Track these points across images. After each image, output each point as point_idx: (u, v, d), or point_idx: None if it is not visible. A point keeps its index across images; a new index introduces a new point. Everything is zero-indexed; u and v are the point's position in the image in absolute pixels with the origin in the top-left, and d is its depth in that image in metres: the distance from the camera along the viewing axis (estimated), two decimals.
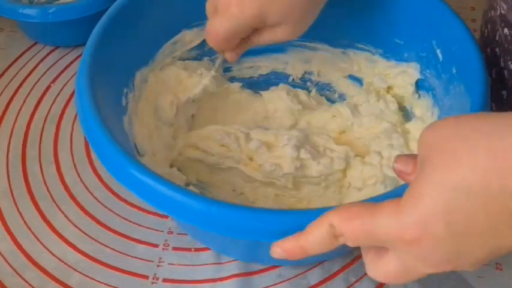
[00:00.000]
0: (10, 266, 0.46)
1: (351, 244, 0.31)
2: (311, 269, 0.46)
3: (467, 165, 0.27)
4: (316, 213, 0.32)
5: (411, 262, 0.29)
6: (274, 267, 0.46)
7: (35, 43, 0.66)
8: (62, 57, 0.64)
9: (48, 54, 0.65)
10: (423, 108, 0.50)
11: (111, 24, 0.46)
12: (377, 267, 0.31)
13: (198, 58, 0.55)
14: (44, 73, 0.62)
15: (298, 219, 0.33)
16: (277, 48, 0.56)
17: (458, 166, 0.27)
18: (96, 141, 0.39)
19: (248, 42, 0.45)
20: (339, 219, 0.30)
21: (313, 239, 0.31)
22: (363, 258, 0.32)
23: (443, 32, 0.47)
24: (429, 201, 0.27)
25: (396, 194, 0.31)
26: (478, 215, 0.27)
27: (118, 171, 0.37)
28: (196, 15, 0.52)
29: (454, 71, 0.45)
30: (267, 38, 0.44)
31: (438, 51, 0.47)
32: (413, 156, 0.31)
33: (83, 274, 0.46)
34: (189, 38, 0.54)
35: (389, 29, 0.52)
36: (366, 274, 0.45)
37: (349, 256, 0.46)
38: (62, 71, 0.62)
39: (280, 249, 0.33)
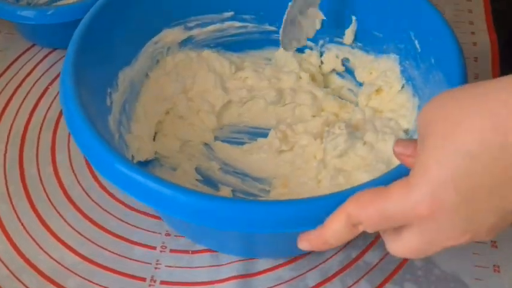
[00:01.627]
0: (7, 268, 0.46)
1: (370, 230, 0.31)
2: (309, 270, 0.46)
3: (465, 128, 0.27)
4: (307, 202, 0.34)
5: (430, 235, 0.29)
6: (273, 269, 0.46)
7: (33, 45, 0.66)
8: (59, 60, 0.64)
9: (45, 56, 0.65)
10: (403, 99, 0.51)
11: (92, 25, 0.46)
12: (398, 245, 0.32)
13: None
14: (42, 75, 0.62)
15: (290, 209, 0.34)
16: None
17: (457, 131, 0.27)
18: (81, 135, 0.39)
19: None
20: (354, 208, 0.31)
21: (334, 231, 0.32)
22: (382, 237, 0.33)
23: (421, 23, 0.48)
24: (435, 172, 0.28)
25: (400, 172, 0.33)
26: (483, 177, 0.27)
27: (107, 170, 0.38)
28: (177, 14, 0.53)
29: (432, 60, 0.46)
30: None
31: (416, 42, 0.48)
32: (413, 140, 0.32)
33: (81, 276, 0.46)
34: (170, 37, 0.54)
35: (368, 23, 0.53)
36: (363, 277, 0.45)
37: (346, 258, 0.46)
38: (60, 73, 0.62)
39: (306, 242, 0.34)
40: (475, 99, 0.27)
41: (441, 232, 0.29)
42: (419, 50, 0.48)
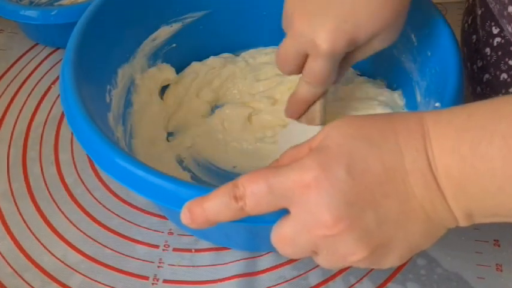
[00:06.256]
0: (10, 266, 0.46)
1: (250, 207, 0.30)
2: (312, 269, 0.46)
3: (369, 124, 0.30)
4: None
5: (305, 217, 0.29)
6: (275, 267, 0.46)
7: (36, 44, 0.66)
8: (62, 59, 0.64)
9: (48, 55, 0.65)
10: (395, 95, 0.51)
11: (91, 22, 0.46)
12: (274, 231, 0.31)
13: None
14: (45, 74, 0.63)
15: None
16: None
17: (362, 124, 0.30)
18: (82, 131, 0.39)
19: (347, 63, 0.43)
20: (245, 178, 0.30)
21: (215, 200, 0.31)
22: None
23: (416, 17, 0.47)
24: (333, 149, 0.29)
25: None
26: (376, 165, 0.28)
27: (108, 165, 0.38)
28: (175, 11, 0.53)
29: (428, 53, 0.46)
30: (365, 53, 0.42)
31: (412, 35, 0.48)
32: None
33: (83, 275, 0.46)
34: (168, 34, 0.54)
35: None
36: (365, 275, 0.45)
37: None
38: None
39: (187, 210, 0.32)
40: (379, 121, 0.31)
41: (315, 213, 0.29)
42: (416, 44, 0.48)
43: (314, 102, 0.45)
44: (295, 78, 0.46)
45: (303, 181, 0.29)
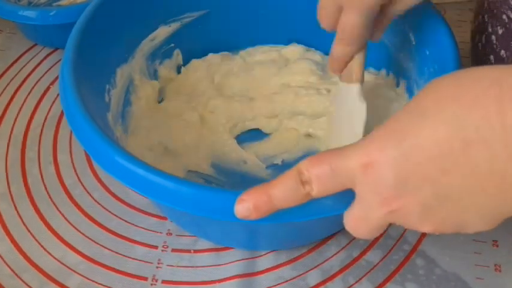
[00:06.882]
0: (9, 267, 0.46)
1: (317, 191, 0.30)
2: (311, 270, 0.46)
3: (425, 94, 0.28)
4: None
5: (369, 196, 0.29)
6: (274, 268, 0.46)
7: (34, 45, 0.66)
8: (61, 59, 0.64)
9: (47, 55, 0.65)
10: (398, 90, 0.51)
11: (89, 22, 0.46)
12: (345, 216, 0.31)
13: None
14: (43, 75, 0.63)
15: None
16: None
17: (419, 96, 0.28)
18: (82, 130, 0.39)
19: (386, 18, 0.43)
20: (307, 163, 0.30)
21: (282, 186, 0.31)
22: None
23: (414, 16, 0.48)
24: (389, 125, 0.28)
25: None
26: (427, 139, 0.27)
27: (108, 163, 0.38)
28: (174, 11, 0.54)
29: (427, 52, 0.46)
30: (402, 6, 0.42)
31: (411, 35, 0.48)
32: None
33: (82, 276, 0.46)
34: (166, 34, 0.54)
35: None
36: (364, 276, 0.45)
37: (348, 258, 0.47)
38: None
39: (247, 202, 0.31)
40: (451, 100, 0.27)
41: (376, 192, 0.29)
42: (414, 43, 0.48)
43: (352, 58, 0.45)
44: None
45: (361, 161, 0.29)
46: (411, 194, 0.28)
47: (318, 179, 0.30)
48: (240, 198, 0.32)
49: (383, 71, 0.54)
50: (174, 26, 0.55)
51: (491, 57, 0.49)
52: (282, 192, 0.31)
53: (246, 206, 0.31)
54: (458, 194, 0.27)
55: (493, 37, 0.48)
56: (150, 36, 0.53)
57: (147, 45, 0.53)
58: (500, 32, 0.47)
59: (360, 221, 0.31)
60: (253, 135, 0.54)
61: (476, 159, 0.26)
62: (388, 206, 0.29)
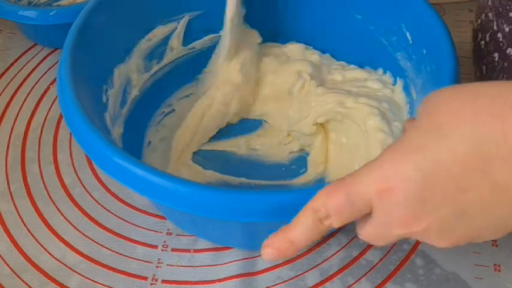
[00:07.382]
0: (9, 267, 0.46)
1: (336, 223, 0.30)
2: (309, 270, 0.46)
3: (440, 110, 0.28)
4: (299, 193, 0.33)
5: (386, 219, 0.29)
6: (273, 268, 0.46)
7: (34, 44, 0.66)
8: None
9: (47, 55, 0.65)
10: (396, 89, 0.51)
11: (86, 22, 0.46)
12: (359, 232, 0.32)
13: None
14: (43, 75, 0.63)
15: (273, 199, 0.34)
16: None
17: (433, 112, 0.28)
18: (80, 130, 0.39)
19: None
20: (323, 198, 0.30)
21: (302, 229, 0.31)
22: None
23: (411, 15, 0.48)
24: (403, 144, 0.28)
25: None
26: (445, 157, 0.27)
27: (106, 164, 0.38)
28: (172, 11, 0.53)
29: (424, 51, 0.46)
30: None
31: (408, 34, 0.48)
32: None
33: (82, 275, 0.46)
34: (163, 34, 0.54)
35: (362, 16, 0.53)
36: (363, 276, 0.45)
37: (347, 258, 0.47)
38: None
39: (271, 248, 0.32)
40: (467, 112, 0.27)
41: (394, 214, 0.29)
42: (411, 42, 0.48)
43: None
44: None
45: (377, 187, 0.28)
46: (430, 215, 0.28)
47: (337, 213, 0.30)
48: (265, 244, 0.32)
49: (380, 70, 0.54)
50: (171, 26, 0.55)
51: (496, 55, 0.49)
52: (302, 235, 0.31)
53: (270, 252, 0.32)
54: (475, 210, 0.27)
55: (499, 35, 0.48)
56: (147, 36, 0.53)
57: (144, 45, 0.53)
58: (507, 29, 0.47)
59: (375, 238, 0.31)
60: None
61: (495, 176, 0.26)
62: (408, 228, 0.29)
